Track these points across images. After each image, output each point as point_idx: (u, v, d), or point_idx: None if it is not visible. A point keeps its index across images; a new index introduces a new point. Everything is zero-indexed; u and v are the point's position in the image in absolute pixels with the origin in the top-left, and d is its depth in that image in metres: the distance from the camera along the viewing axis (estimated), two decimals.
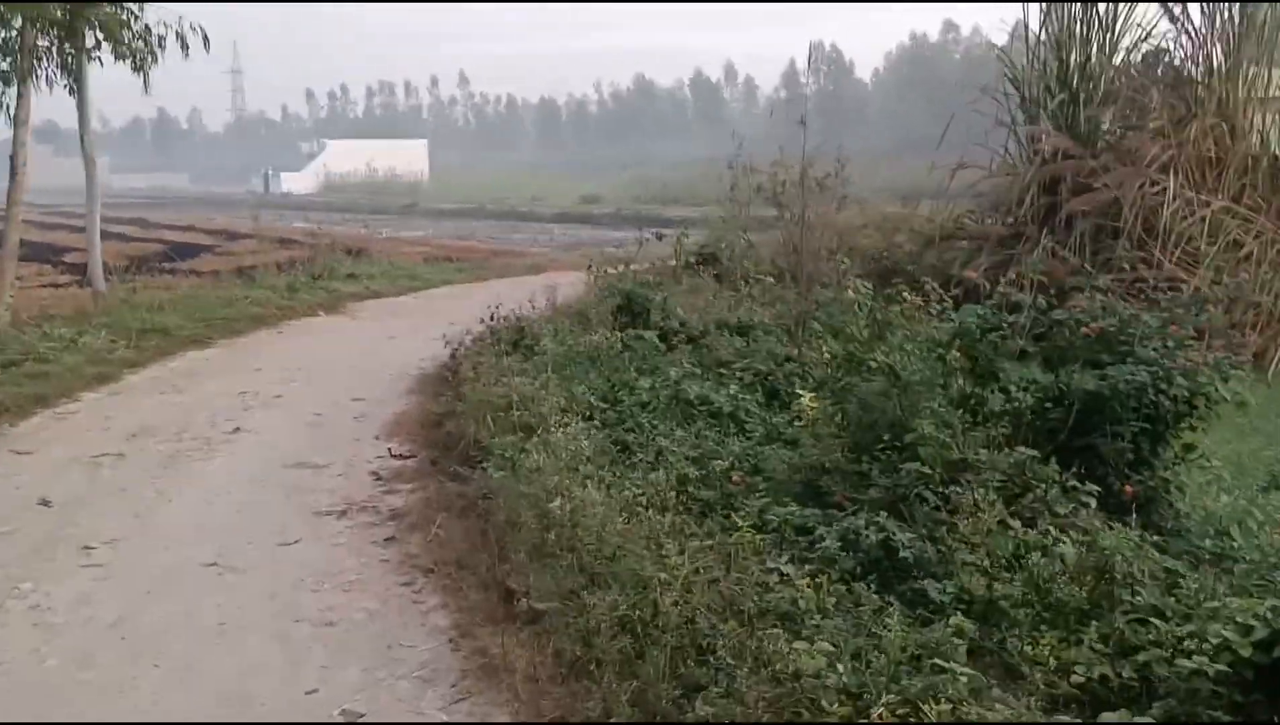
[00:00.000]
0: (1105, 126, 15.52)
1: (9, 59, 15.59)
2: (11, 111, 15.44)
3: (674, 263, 16.36)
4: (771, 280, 14.38)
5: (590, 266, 14.72)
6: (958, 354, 6.46)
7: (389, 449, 7.94)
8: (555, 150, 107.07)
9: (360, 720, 4.17)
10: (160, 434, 8.54)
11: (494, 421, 7.47)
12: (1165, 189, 13.79)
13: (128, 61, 17.35)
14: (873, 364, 6.35)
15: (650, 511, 5.42)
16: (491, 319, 11.50)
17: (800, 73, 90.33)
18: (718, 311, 11.33)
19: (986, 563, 4.78)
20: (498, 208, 53.34)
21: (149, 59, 17.43)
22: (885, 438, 5.98)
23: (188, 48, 17.94)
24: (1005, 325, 6.77)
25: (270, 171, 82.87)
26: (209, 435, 8.52)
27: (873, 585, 4.77)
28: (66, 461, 7.76)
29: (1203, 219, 13.51)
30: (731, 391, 7.73)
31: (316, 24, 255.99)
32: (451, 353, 10.75)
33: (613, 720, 3.90)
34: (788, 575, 4.78)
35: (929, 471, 5.54)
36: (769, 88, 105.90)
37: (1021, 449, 5.65)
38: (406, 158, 77.32)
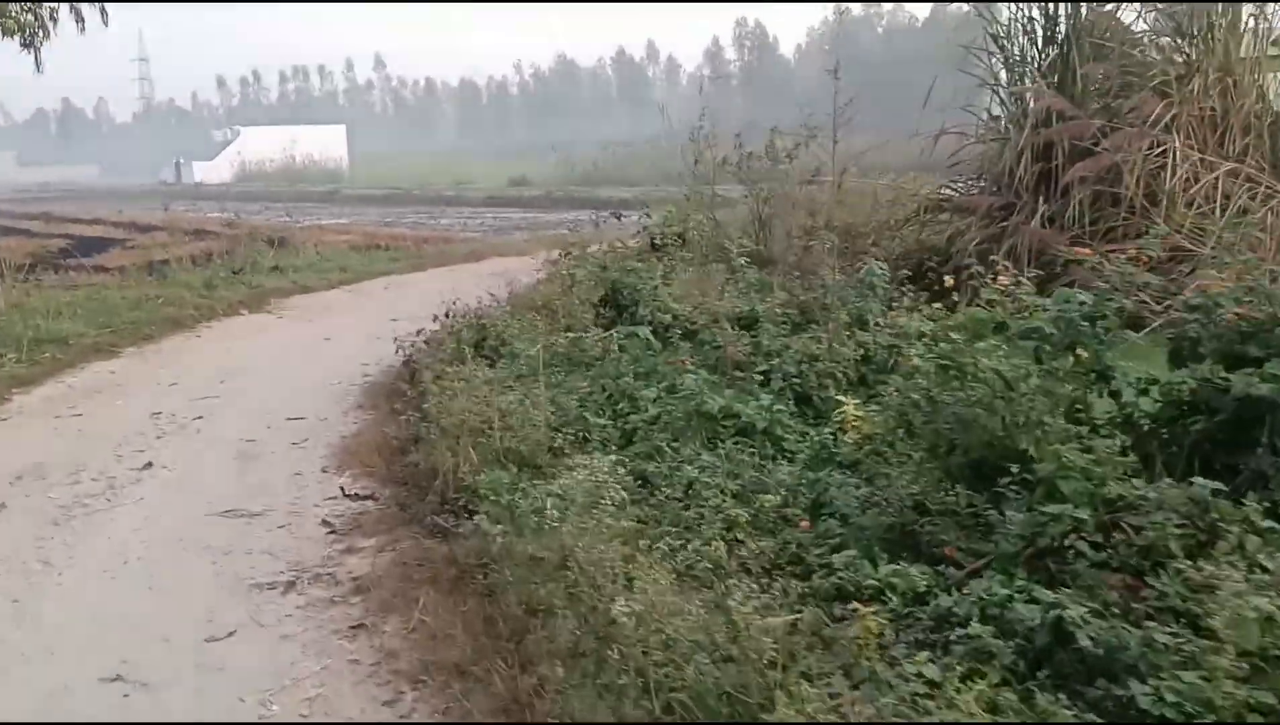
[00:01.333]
0: (1098, 85, 14.31)
1: None
2: None
3: (636, 245, 14.86)
4: (744, 261, 12.95)
5: (562, 253, 13.11)
6: (1081, 353, 5.05)
7: (341, 487, 6.31)
8: (476, 134, 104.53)
9: None
10: (53, 475, 6.82)
11: (474, 449, 5.93)
12: (1168, 151, 12.65)
13: (15, 37, 15.40)
14: (966, 367, 4.92)
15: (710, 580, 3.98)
16: (447, 316, 9.90)
17: (724, 49, 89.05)
18: (709, 300, 9.85)
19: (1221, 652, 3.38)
20: (423, 193, 51.23)
21: (40, 34, 15.49)
22: (1003, 464, 4.58)
23: (83, 22, 16.05)
24: (1114, 312, 5.38)
25: (181, 161, 79.46)
26: (114, 473, 6.82)
27: (1048, 689, 3.39)
28: None
29: (1212, 184, 12.38)
30: (764, 402, 6.24)
31: (224, 9, 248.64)
32: (405, 358, 9.14)
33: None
34: (936, 683, 3.35)
35: (1082, 515, 4.13)
36: (691, 66, 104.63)
37: (1198, 481, 4.25)
38: (324, 143, 74.50)
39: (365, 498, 6.13)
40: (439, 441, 6.29)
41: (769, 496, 5.19)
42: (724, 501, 5.17)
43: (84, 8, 16.26)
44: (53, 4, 15.76)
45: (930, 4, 76.74)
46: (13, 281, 16.94)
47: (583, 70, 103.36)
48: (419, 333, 9.98)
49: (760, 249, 14.11)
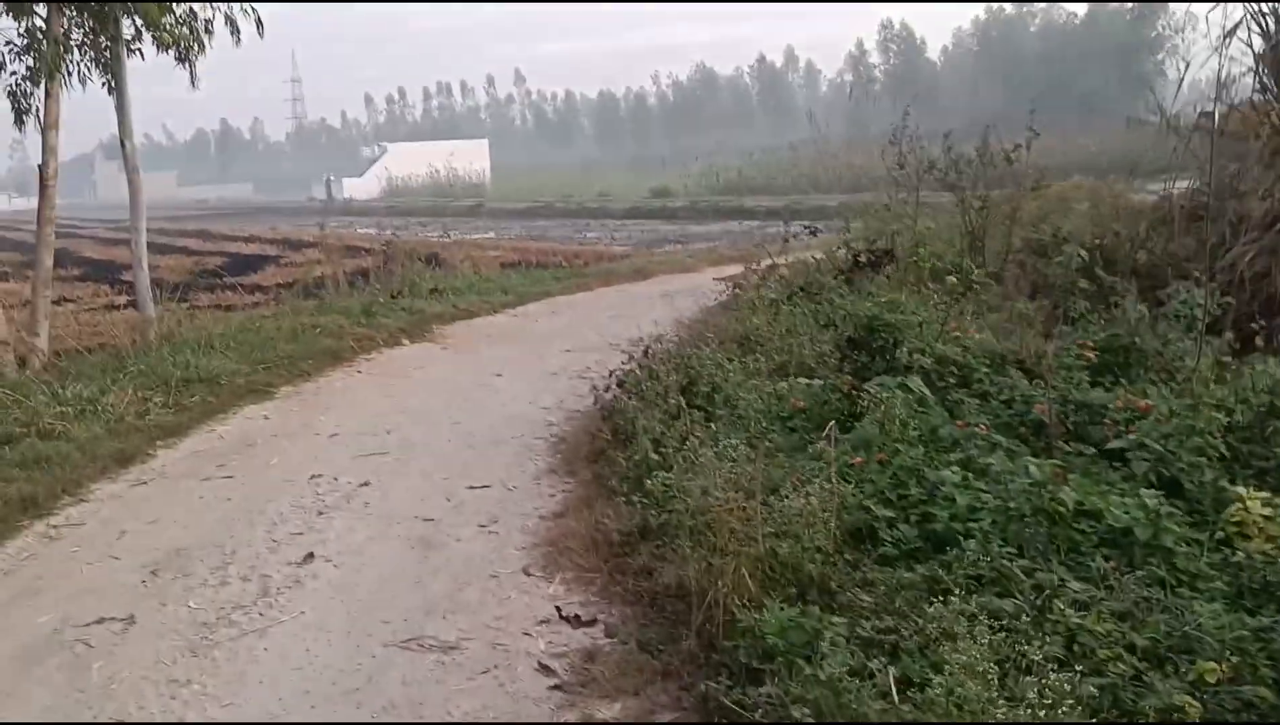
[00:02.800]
0: None
1: (33, 53, 12.72)
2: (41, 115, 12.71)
3: (825, 260, 13.11)
4: (954, 280, 11.05)
5: (750, 271, 11.49)
6: None
7: (557, 608, 4.74)
8: (615, 145, 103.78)
9: None
10: (196, 569, 5.44)
11: (744, 565, 4.27)
12: None
13: (170, 51, 14.52)
14: None
15: None
16: (645, 353, 8.32)
17: (868, 53, 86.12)
18: (966, 335, 8.02)
19: None
20: (566, 205, 50.29)
21: (195, 47, 14.56)
22: None
23: (239, 33, 15.06)
24: None
25: (332, 178, 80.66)
26: (268, 570, 5.40)
27: None
28: (36, 641, 4.70)
29: None
30: (1148, 502, 4.41)
31: (370, 30, 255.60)
32: (602, 410, 7.59)
33: None
34: None
35: None
36: (831, 72, 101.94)
37: None
38: (468, 158, 74.47)
39: (589, 623, 4.54)
40: (682, 542, 4.67)
41: (1207, 664, 3.42)
42: (1133, 666, 3.42)
43: (239, 17, 15.34)
44: (208, 15, 14.86)
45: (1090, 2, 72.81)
46: (166, 306, 16.16)
47: (721, 78, 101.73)
48: (609, 374, 8.45)
49: (972, 265, 12.23)
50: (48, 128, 12.49)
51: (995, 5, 79.00)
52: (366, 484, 6.82)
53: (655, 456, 5.88)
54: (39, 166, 12.58)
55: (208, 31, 14.90)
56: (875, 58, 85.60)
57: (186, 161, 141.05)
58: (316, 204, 66.88)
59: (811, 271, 12.77)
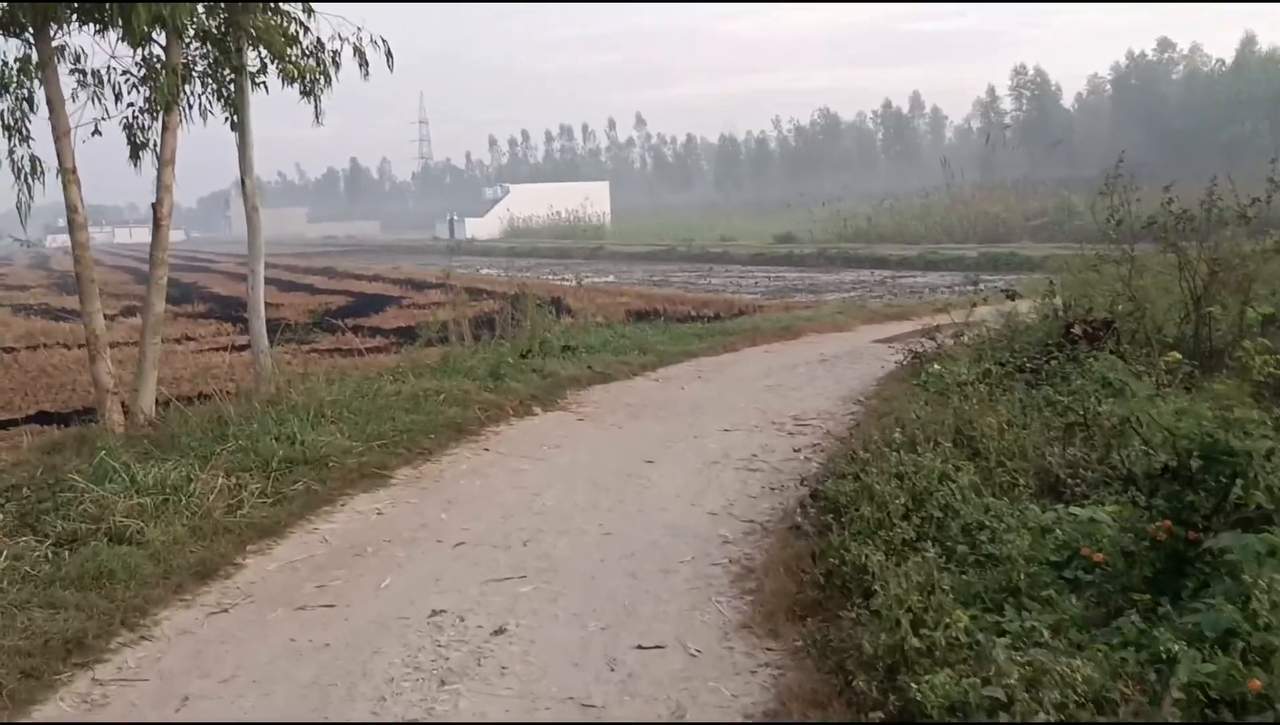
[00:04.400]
0: None
1: (150, 84, 11.61)
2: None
3: (1026, 328, 11.15)
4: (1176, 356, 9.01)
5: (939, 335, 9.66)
6: None
7: None
8: (734, 189, 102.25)
9: None
10: None
11: None
12: None
13: (296, 84, 13.36)
14: None
15: None
16: (854, 461, 6.56)
17: (999, 98, 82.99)
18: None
19: None
20: (688, 250, 48.76)
21: (320, 80, 13.38)
22: None
23: (367, 65, 13.85)
24: None
25: (455, 217, 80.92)
26: None
27: None
28: None
29: None
30: None
31: (495, 74, 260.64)
32: (794, 530, 5.86)
33: None
34: None
35: None
36: (958, 119, 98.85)
37: None
38: (588, 199, 73.86)
39: None
40: None
41: None
42: None
43: (368, 49, 14.18)
44: (335, 47, 13.73)
45: (1237, 46, 68.84)
46: (283, 351, 14.95)
47: (843, 123, 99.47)
48: (800, 482, 6.70)
49: (1193, 338, 10.18)
50: (164, 163, 11.38)
51: (1137, 51, 75.32)
52: (501, 632, 5.16)
53: (916, 641, 4.09)
54: (152, 205, 11.46)
55: (335, 64, 13.74)
56: (1007, 104, 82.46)
57: (316, 199, 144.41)
58: (440, 243, 66.79)
59: (1007, 340, 10.82)
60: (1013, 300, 11.20)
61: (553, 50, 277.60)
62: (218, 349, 17.72)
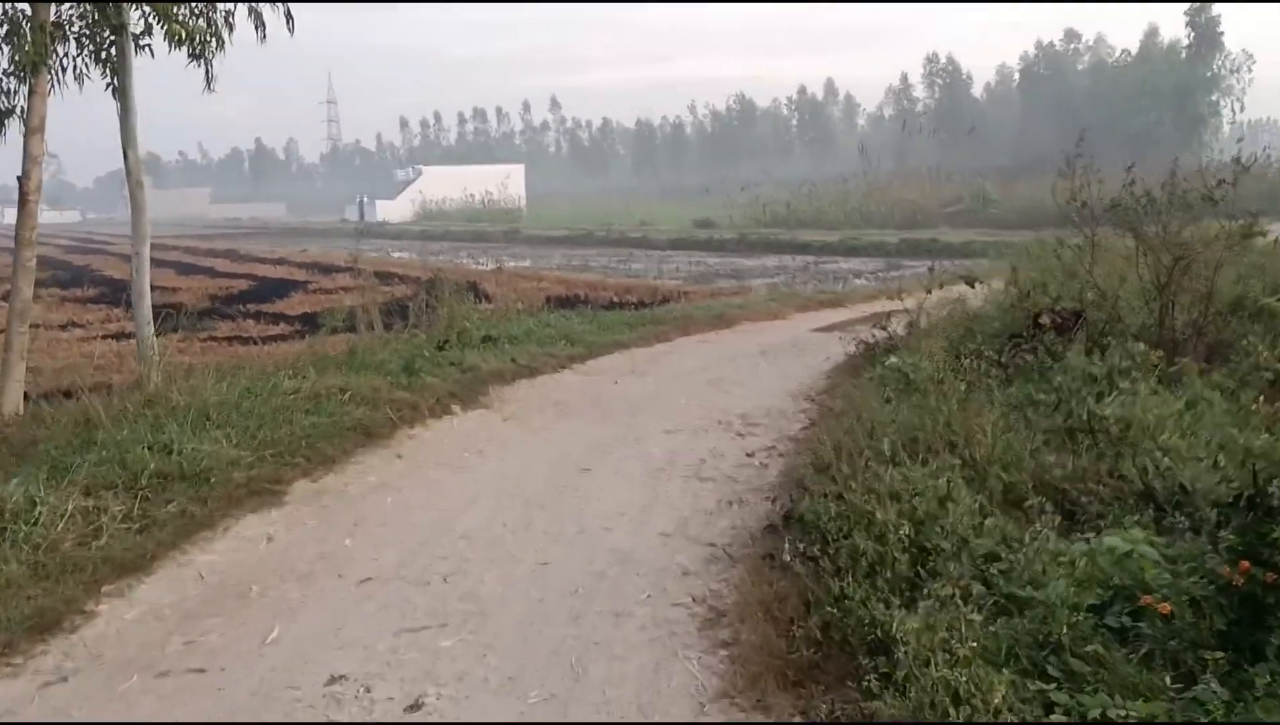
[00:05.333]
0: None
1: (12, 44, 10.16)
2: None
3: (984, 318, 10.33)
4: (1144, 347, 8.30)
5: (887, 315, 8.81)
6: None
7: None
8: (651, 174, 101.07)
9: None
10: None
11: None
12: None
13: (184, 47, 11.99)
14: None
15: None
16: (832, 474, 5.60)
17: (912, 86, 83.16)
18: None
19: None
20: (606, 234, 47.62)
21: (212, 42, 12.03)
22: None
23: (264, 27, 12.53)
24: None
25: (365, 199, 78.41)
26: None
27: None
28: None
29: None
30: None
31: (406, 55, 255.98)
32: (768, 559, 4.88)
33: None
34: None
35: None
36: (871, 106, 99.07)
37: None
38: (503, 182, 72.10)
39: None
40: None
41: None
42: None
43: (264, 9, 12.82)
44: (228, 7, 12.36)
45: (1141, 37, 69.87)
46: (174, 343, 13.53)
47: (760, 110, 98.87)
48: (772, 497, 5.73)
49: (1157, 327, 9.49)
50: (30, 131, 9.98)
51: (1045, 40, 75.98)
52: (417, 707, 4.06)
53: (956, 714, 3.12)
54: (18, 178, 10.04)
55: (228, 25, 12.37)
56: (919, 92, 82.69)
57: (220, 180, 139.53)
58: (349, 226, 64.51)
59: (965, 330, 10.01)
60: (973, 286, 10.38)
61: (466, 33, 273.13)
62: (106, 337, 16.23)
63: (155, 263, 38.77)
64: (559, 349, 12.25)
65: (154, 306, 21.87)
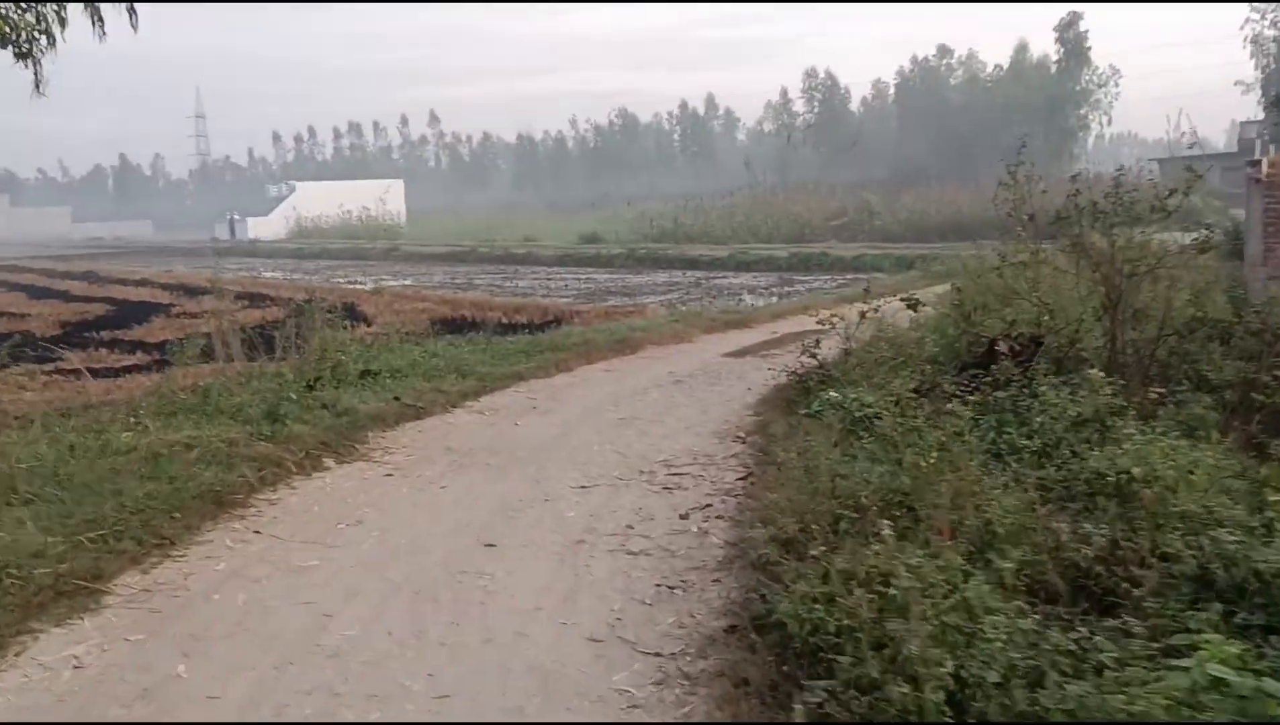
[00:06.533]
0: None
1: None
2: None
3: (925, 342, 9.29)
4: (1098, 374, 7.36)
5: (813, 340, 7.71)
6: None
7: None
8: (533, 188, 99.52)
9: None
10: None
11: None
12: None
13: (11, 46, 10.41)
14: None
15: None
16: (803, 554, 4.37)
17: (792, 100, 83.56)
18: None
19: None
20: (490, 250, 46.00)
21: (43, 39, 10.45)
22: None
23: (102, 23, 10.96)
24: None
25: (235, 217, 74.92)
26: None
27: None
28: None
29: None
30: None
31: (280, 67, 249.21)
32: (741, 687, 3.62)
33: None
34: None
35: None
36: (751, 121, 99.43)
37: None
38: (382, 198, 69.65)
39: None
40: None
41: None
42: None
43: (105, 8, 11.21)
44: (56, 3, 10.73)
45: (1011, 53, 71.41)
46: (18, 374, 11.73)
47: (642, 124, 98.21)
48: (722, 582, 4.47)
49: (1109, 351, 8.64)
50: None
51: (921, 55, 77.18)
52: None
53: None
54: None
55: (60, 21, 10.74)
56: (799, 106, 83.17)
57: (82, 198, 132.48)
58: (219, 244, 61.34)
59: (906, 358, 8.95)
60: (915, 310, 9.33)
61: (337, 46, 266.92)
62: None
63: (6, 286, 35.78)
64: (449, 383, 10.82)
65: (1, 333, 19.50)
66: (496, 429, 9.32)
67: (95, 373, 14.68)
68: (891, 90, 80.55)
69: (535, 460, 8.14)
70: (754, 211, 46.14)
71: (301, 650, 4.71)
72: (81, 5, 11.43)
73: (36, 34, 10.59)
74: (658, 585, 5.43)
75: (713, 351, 13.46)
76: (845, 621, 3.84)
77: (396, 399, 9.90)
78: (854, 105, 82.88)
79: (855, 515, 5.16)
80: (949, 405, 6.47)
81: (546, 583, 5.52)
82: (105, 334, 19.14)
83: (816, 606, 4.05)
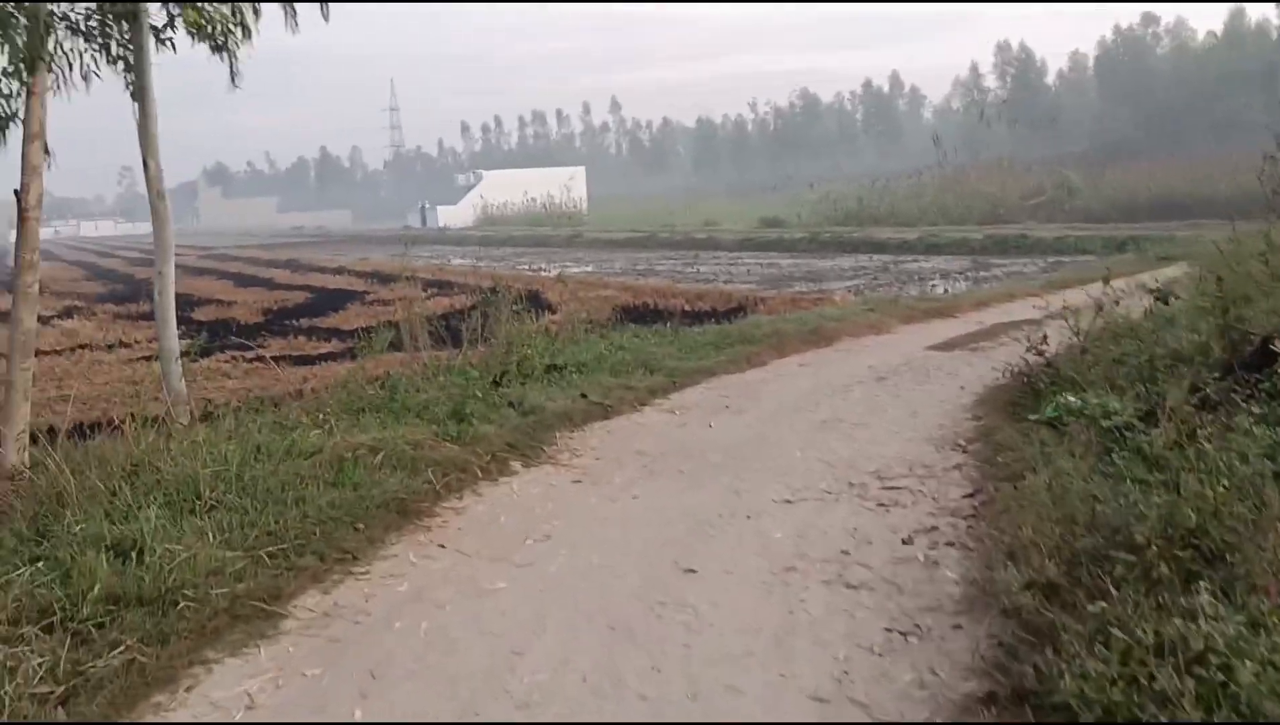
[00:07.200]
0: None
1: (16, 43, 8.37)
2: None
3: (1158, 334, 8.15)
4: None
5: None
6: None
7: None
8: (712, 172, 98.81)
9: None
10: None
11: None
12: None
13: (206, 41, 10.38)
14: None
15: None
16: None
17: (981, 77, 79.87)
18: None
19: None
20: (670, 236, 45.57)
21: (237, 31, 10.37)
22: None
23: (295, 14, 10.80)
24: None
25: (426, 206, 77.35)
26: None
27: None
28: None
29: None
30: None
31: (468, 59, 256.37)
32: None
33: None
34: None
35: None
36: (937, 98, 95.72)
37: None
38: (564, 185, 70.47)
39: None
40: None
41: None
42: None
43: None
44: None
45: (1226, 19, 66.02)
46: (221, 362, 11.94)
47: (823, 104, 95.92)
48: (965, 629, 3.66)
49: None
50: (29, 138, 8.22)
51: (1125, 26, 72.31)
52: None
53: None
54: (15, 192, 8.30)
55: (255, 11, 10.66)
56: (990, 81, 79.38)
57: (286, 189, 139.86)
58: (411, 232, 63.35)
59: (1150, 355, 7.82)
60: (1166, 302, 8.16)
61: (525, 36, 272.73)
62: (152, 356, 14.75)
63: (216, 274, 37.66)
64: (636, 379, 10.26)
65: (207, 321, 20.31)
66: (688, 430, 8.68)
67: (293, 360, 14.95)
68: (1091, 62, 75.76)
69: (731, 467, 7.46)
70: (943, 191, 44.05)
71: (487, 696, 4.18)
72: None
73: (231, 27, 10.58)
74: (887, 630, 4.66)
75: (915, 344, 12.45)
76: (1160, 719, 2.99)
77: (583, 396, 9.40)
78: (1049, 79, 78.51)
79: (1130, 557, 4.25)
80: (1235, 418, 5.41)
81: (755, 620, 4.83)
82: (303, 321, 19.65)
83: (1114, 689, 3.21)
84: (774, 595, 5.13)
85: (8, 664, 4.17)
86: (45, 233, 10.37)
